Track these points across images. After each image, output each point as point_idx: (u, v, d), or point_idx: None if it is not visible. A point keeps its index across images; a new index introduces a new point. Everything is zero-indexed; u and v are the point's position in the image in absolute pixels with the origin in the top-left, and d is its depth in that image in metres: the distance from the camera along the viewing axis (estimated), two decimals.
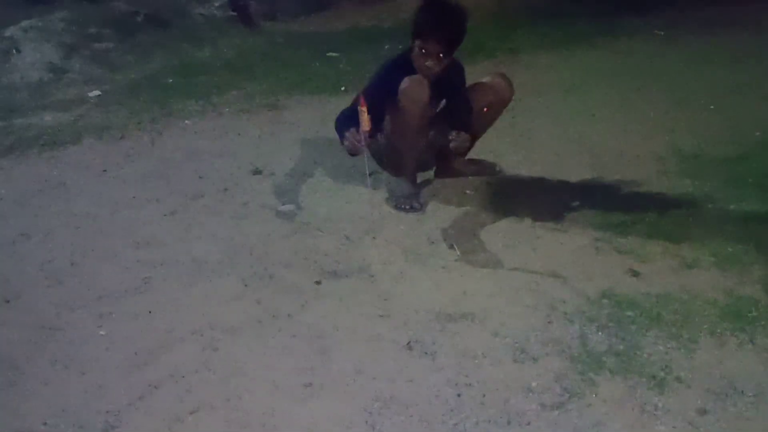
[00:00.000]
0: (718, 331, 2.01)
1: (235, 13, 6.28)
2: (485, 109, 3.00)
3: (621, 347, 1.97)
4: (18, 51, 5.00)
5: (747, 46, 4.80)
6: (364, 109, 2.63)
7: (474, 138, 3.02)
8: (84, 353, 2.10)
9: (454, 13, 2.78)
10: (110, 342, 2.15)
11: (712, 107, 3.77)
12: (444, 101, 3.01)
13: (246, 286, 2.41)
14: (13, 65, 4.88)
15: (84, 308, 2.33)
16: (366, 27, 5.94)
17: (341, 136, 2.76)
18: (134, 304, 2.34)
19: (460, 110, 2.97)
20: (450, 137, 2.80)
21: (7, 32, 5.16)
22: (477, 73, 3.12)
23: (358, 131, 2.64)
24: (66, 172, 3.42)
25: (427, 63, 2.76)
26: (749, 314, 2.07)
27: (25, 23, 5.28)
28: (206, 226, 2.85)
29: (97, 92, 4.59)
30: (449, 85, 2.92)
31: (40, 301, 2.39)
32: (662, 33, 5.25)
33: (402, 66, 2.84)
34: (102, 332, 2.20)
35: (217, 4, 6.29)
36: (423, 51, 2.76)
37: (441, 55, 2.75)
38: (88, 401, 1.91)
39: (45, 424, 1.84)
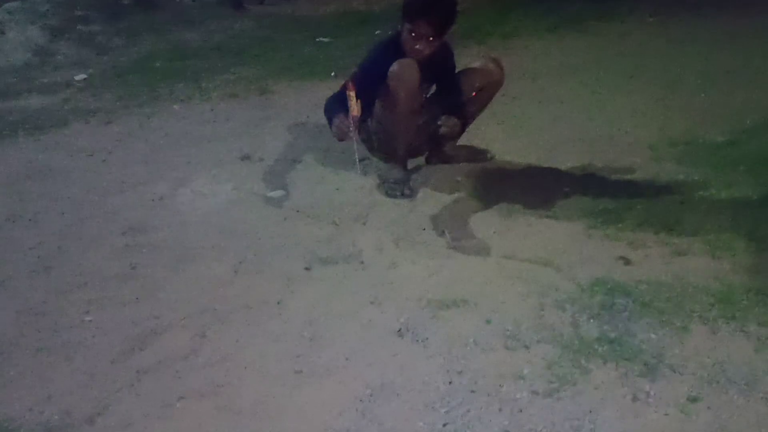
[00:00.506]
0: (710, 318, 2.00)
1: None
2: (475, 93, 2.97)
3: (613, 335, 1.96)
4: (3, 33, 4.93)
5: (737, 31, 4.79)
6: (353, 93, 2.61)
7: (465, 122, 3.00)
8: (70, 339, 2.08)
9: None
10: (97, 328, 2.12)
11: (703, 94, 3.76)
12: (434, 85, 2.98)
13: (235, 272, 2.39)
14: None
15: (70, 294, 2.30)
16: (357, 11, 5.91)
17: (330, 122, 2.75)
18: (122, 290, 2.31)
19: (451, 94, 2.94)
20: (439, 122, 2.78)
21: None
22: (469, 58, 3.10)
23: (346, 116, 2.62)
24: (53, 156, 3.39)
25: (417, 46, 2.73)
26: (741, 302, 2.06)
27: (10, 5, 5.22)
28: (195, 211, 2.82)
29: (83, 75, 4.55)
30: (439, 69, 2.89)
31: (25, 287, 2.36)
32: (654, 19, 5.23)
33: (391, 49, 2.81)
34: (89, 318, 2.17)
35: None
36: (413, 34, 2.73)
37: (431, 37, 2.72)
38: (75, 388, 1.88)
39: (30, 410, 1.81)
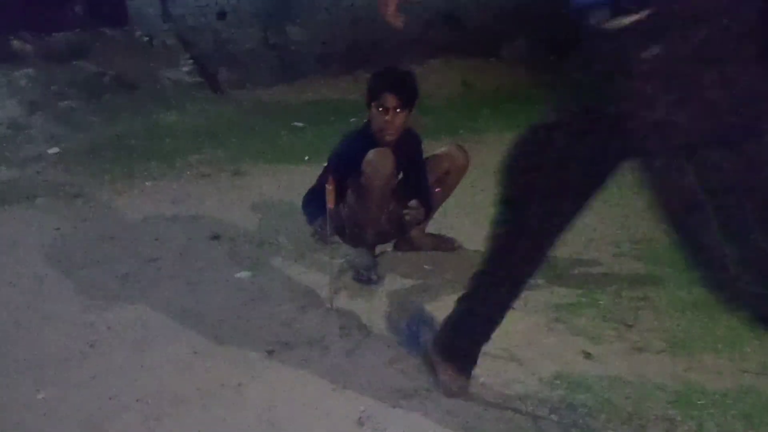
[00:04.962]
0: (668, 416, 2.01)
1: (203, 79, 6.34)
2: (442, 178, 3.07)
3: (572, 430, 1.96)
4: None
5: None
6: (332, 188, 2.67)
7: (431, 208, 3.08)
8: (20, 420, 2.01)
9: (404, 71, 3.00)
10: (49, 409, 2.06)
11: None
12: (401, 173, 3.05)
13: (196, 353, 2.36)
14: None
15: (24, 372, 2.24)
16: (332, 99, 6.05)
17: (309, 219, 2.95)
18: (78, 369, 2.27)
19: (418, 181, 3.02)
20: (404, 210, 2.88)
21: None
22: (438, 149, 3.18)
23: (325, 222, 2.71)
24: (18, 230, 3.36)
25: (386, 118, 2.83)
26: (698, 401, 2.07)
27: None
28: (159, 290, 2.80)
29: (56, 150, 4.55)
30: (406, 156, 2.98)
31: None
32: None
33: (362, 137, 2.91)
34: (40, 397, 2.11)
35: (185, 69, 6.36)
36: (380, 109, 2.84)
37: (398, 109, 2.84)
38: None
39: None
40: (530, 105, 5.81)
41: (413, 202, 2.89)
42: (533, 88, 6.36)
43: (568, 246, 3.19)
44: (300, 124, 5.30)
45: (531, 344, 2.41)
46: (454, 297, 2.69)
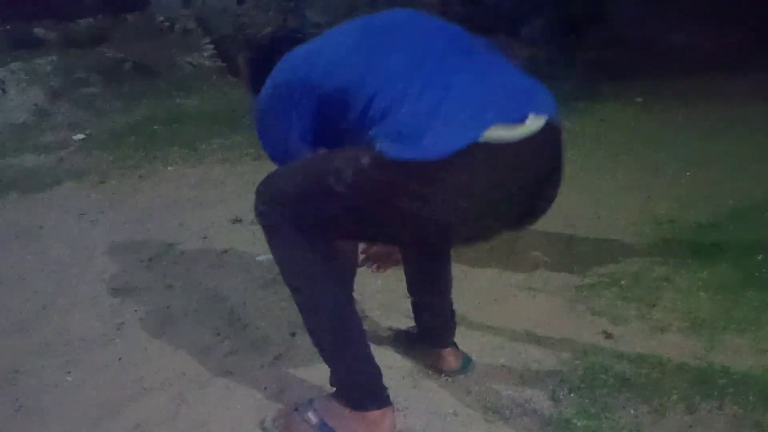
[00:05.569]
0: (688, 396, 2.01)
1: (223, 64, 6.38)
2: None
3: (592, 410, 1.97)
4: (4, 92, 5.03)
5: (721, 116, 4.93)
6: None
7: None
8: (48, 401, 2.07)
9: None
10: (77, 390, 2.11)
11: (688, 174, 3.84)
12: None
13: (219, 335, 2.39)
14: None
15: (52, 354, 2.30)
16: None
17: None
18: (104, 351, 2.31)
19: None
20: None
21: None
22: None
23: None
24: (44, 216, 3.42)
25: None
26: (719, 381, 2.07)
27: (13, 65, 5.34)
28: (183, 274, 2.84)
29: (81, 136, 4.62)
30: None
31: (7, 346, 2.35)
32: (642, 99, 5.38)
33: None
34: (69, 379, 2.16)
35: (205, 54, 6.41)
36: None
37: None
38: None
39: None
40: (546, 83, 5.78)
41: None
42: (551, 68, 6.32)
43: (589, 227, 3.20)
44: None
45: (551, 324, 2.42)
46: (471, 280, 2.75)
